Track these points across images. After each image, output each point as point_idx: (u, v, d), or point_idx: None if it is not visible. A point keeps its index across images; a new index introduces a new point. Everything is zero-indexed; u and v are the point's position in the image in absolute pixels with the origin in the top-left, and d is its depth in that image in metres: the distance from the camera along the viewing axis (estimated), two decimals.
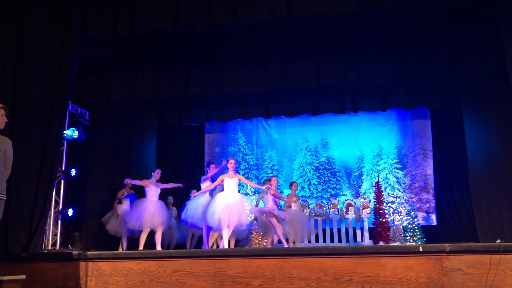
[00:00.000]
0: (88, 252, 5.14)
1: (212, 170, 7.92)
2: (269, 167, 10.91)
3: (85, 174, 9.24)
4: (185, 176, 10.88)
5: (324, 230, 9.86)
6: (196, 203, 7.55)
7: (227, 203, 6.79)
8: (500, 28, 6.67)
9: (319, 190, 10.66)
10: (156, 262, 4.92)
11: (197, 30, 7.44)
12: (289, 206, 8.36)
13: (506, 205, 7.96)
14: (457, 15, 8.08)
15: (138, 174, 8.60)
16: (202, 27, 7.29)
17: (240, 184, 7.61)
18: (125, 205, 8.35)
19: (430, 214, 10.14)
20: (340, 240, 9.80)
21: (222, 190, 7.27)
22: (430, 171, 10.31)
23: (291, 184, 8.61)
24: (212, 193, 7.70)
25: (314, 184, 10.71)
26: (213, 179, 7.84)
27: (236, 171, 7.37)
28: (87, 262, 5.03)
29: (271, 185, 7.72)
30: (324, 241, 9.74)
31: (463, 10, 7.87)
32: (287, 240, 8.27)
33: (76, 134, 8.64)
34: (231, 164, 7.10)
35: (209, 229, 7.26)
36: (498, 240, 4.17)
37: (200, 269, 4.79)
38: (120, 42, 8.44)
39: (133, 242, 8.27)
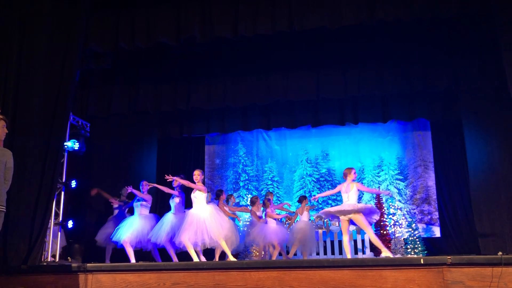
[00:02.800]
0: (88, 264, 5.12)
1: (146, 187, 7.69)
2: (269, 178, 10.90)
3: (86, 186, 9.23)
4: (185, 188, 10.82)
5: (325, 242, 9.82)
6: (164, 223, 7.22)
7: (199, 219, 6.43)
8: (499, 42, 6.71)
9: (320, 202, 10.63)
10: (156, 274, 4.90)
11: (198, 42, 7.50)
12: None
13: (508, 217, 7.95)
14: (457, 28, 8.15)
15: (137, 186, 8.59)
16: (203, 40, 7.36)
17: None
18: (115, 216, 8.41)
19: (430, 226, 10.10)
20: (341, 253, 9.74)
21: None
22: (431, 182, 10.29)
23: (301, 200, 8.52)
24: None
25: (314, 195, 10.68)
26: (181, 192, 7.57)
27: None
28: (86, 274, 5.01)
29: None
30: (325, 253, 9.69)
31: (463, 24, 7.94)
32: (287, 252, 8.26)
33: (77, 146, 8.65)
34: (196, 176, 6.72)
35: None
36: (500, 253, 4.16)
37: (200, 281, 4.76)
38: (122, 55, 8.50)
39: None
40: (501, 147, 8.22)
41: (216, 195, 7.89)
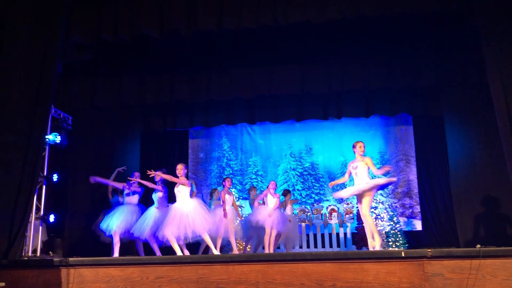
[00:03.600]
0: (70, 259, 5.08)
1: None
2: (254, 172, 10.93)
3: (68, 179, 9.14)
4: (168, 182, 10.77)
5: (308, 236, 9.91)
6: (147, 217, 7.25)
7: (182, 213, 6.44)
8: (481, 38, 6.82)
9: (303, 196, 10.71)
10: (139, 268, 4.89)
11: (182, 35, 7.45)
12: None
13: (486, 211, 8.11)
14: (440, 25, 8.24)
15: (121, 179, 8.55)
16: (187, 33, 7.30)
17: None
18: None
19: (412, 219, 10.25)
20: (323, 246, 9.86)
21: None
22: (413, 176, 10.44)
23: (285, 194, 8.54)
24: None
25: (298, 189, 10.76)
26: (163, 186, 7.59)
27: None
28: (68, 268, 4.98)
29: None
30: (308, 246, 9.78)
31: (445, 20, 8.03)
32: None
33: (58, 139, 8.53)
34: (178, 170, 6.72)
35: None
36: (478, 245, 4.25)
37: (183, 275, 4.77)
38: (105, 47, 8.40)
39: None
40: (481, 142, 8.37)
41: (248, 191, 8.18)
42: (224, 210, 7.48)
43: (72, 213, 8.95)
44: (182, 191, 6.64)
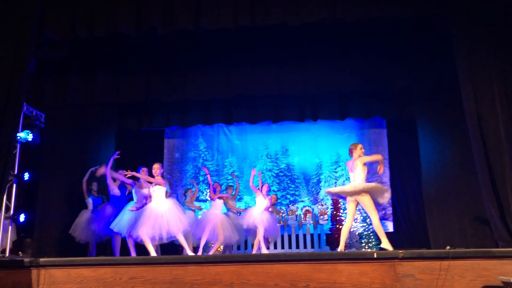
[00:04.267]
0: (41, 259, 4.98)
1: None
2: (229, 173, 10.92)
3: (39, 178, 8.95)
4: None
5: (282, 237, 9.96)
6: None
7: (158, 214, 6.40)
8: (453, 45, 7.01)
9: (279, 197, 10.75)
10: (112, 269, 4.84)
11: (159, 34, 7.40)
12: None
13: (456, 213, 8.31)
14: (414, 30, 8.41)
15: (95, 178, 8.44)
16: (164, 31, 7.26)
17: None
18: (89, 210, 8.23)
19: (384, 221, 10.41)
20: (298, 247, 9.92)
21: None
22: (386, 179, 10.60)
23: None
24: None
25: (273, 190, 10.79)
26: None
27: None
28: (39, 269, 4.88)
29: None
30: (283, 247, 9.83)
31: (420, 26, 8.21)
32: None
33: (30, 137, 8.37)
34: (154, 169, 6.70)
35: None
36: (448, 247, 4.36)
37: (157, 276, 4.74)
38: (80, 43, 8.27)
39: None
40: (452, 146, 8.56)
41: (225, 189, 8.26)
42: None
43: (43, 213, 8.76)
44: (157, 191, 6.59)
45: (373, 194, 6.10)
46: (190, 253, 6.61)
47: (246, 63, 8.98)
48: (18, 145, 8.09)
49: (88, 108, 9.45)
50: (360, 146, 6.38)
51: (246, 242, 9.63)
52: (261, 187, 8.19)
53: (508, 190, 6.24)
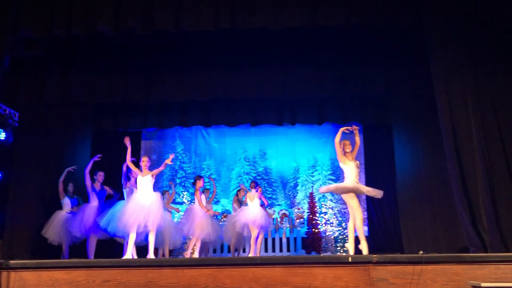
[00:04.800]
0: (11, 261, 4.86)
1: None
2: (207, 176, 10.88)
3: (11, 178, 8.74)
4: (119, 183, 10.52)
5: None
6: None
7: (142, 204, 6.49)
8: (428, 53, 7.16)
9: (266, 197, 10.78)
10: (86, 271, 4.76)
11: (138, 34, 7.34)
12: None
13: (429, 219, 8.46)
14: (391, 37, 8.57)
15: (70, 179, 8.31)
16: (144, 32, 7.21)
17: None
18: (64, 211, 8.08)
19: None
20: (274, 250, 9.94)
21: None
22: (361, 183, 10.70)
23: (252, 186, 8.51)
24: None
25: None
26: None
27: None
28: (9, 272, 4.77)
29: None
30: (244, 251, 9.84)
31: (396, 34, 8.37)
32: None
33: (3, 136, 8.18)
34: (143, 162, 6.88)
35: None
36: (421, 252, 4.43)
37: (131, 279, 4.68)
38: (57, 42, 8.13)
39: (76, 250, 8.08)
40: (426, 152, 8.73)
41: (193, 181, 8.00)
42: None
43: (14, 214, 8.56)
44: (144, 182, 6.66)
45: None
46: (152, 256, 6.52)
47: (225, 66, 8.98)
48: None
49: (64, 108, 9.30)
50: (346, 142, 6.53)
51: (222, 245, 9.61)
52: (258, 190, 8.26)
53: (479, 197, 6.40)
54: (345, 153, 6.46)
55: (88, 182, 7.90)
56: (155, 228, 6.47)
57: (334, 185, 6.47)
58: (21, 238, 8.44)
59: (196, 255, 7.65)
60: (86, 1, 7.09)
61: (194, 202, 8.04)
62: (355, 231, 6.09)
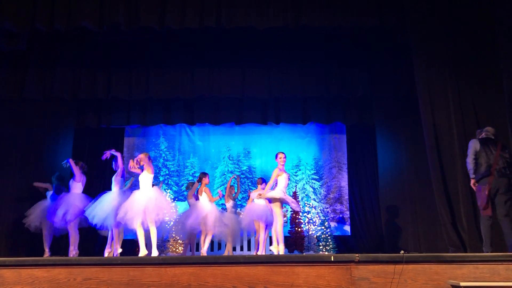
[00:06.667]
0: None
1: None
2: (191, 174, 10.84)
3: None
4: (101, 179, 10.41)
5: (241, 238, 9.95)
6: (104, 202, 6.96)
7: (144, 200, 6.41)
8: (412, 56, 7.24)
9: (239, 199, 10.75)
10: (66, 269, 4.69)
11: (122, 30, 7.26)
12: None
13: (410, 219, 8.58)
14: (375, 39, 8.65)
15: (51, 175, 8.19)
16: (128, 28, 7.15)
17: None
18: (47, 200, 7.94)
19: (342, 225, 10.61)
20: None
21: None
22: (344, 183, 10.81)
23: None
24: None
25: (234, 192, 10.78)
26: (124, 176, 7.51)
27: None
28: None
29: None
30: (242, 249, 9.84)
31: (380, 36, 8.45)
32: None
33: None
34: (143, 160, 6.75)
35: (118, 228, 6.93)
36: (402, 251, 4.48)
37: (113, 277, 4.63)
38: (39, 36, 8.00)
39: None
40: (408, 153, 8.84)
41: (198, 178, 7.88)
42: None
43: None
44: (144, 179, 6.59)
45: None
46: (144, 252, 6.45)
47: (210, 64, 8.96)
48: None
49: (46, 103, 9.17)
50: (279, 155, 7.09)
51: (214, 243, 9.57)
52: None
53: (459, 198, 6.51)
54: (283, 166, 7.08)
55: (75, 168, 7.66)
56: (156, 223, 6.42)
57: (264, 193, 7.06)
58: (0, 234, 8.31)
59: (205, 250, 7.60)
60: None
61: (198, 199, 7.91)
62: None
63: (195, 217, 7.56)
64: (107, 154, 7.08)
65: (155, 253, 6.36)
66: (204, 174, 7.88)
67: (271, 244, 7.25)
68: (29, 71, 8.71)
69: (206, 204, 7.63)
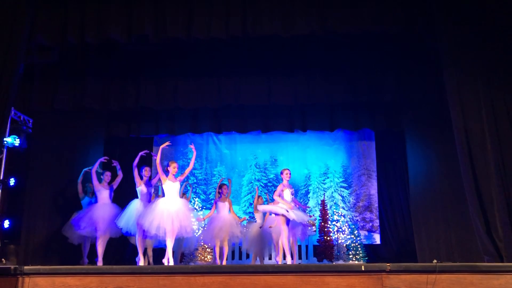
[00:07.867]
0: (25, 267, 4.90)
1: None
2: (218, 182, 10.88)
3: (25, 184, 8.82)
4: (131, 189, 10.55)
5: (270, 248, 9.91)
6: (130, 210, 7.24)
7: (168, 210, 6.53)
8: (442, 61, 7.09)
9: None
10: (98, 278, 4.77)
11: (150, 42, 7.39)
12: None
13: (443, 227, 8.36)
14: (402, 43, 8.51)
15: (89, 180, 8.38)
16: (156, 40, 7.25)
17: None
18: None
19: (372, 233, 10.45)
20: (285, 258, 9.87)
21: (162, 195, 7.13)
22: (373, 191, 10.65)
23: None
24: (150, 198, 7.52)
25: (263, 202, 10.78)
26: (148, 185, 7.70)
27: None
28: (23, 277, 4.80)
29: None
30: (270, 258, 9.80)
31: (409, 40, 8.31)
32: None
33: (17, 142, 8.23)
34: (172, 167, 6.95)
35: (144, 237, 7.04)
36: (435, 261, 4.37)
37: (143, 286, 4.69)
38: (70, 49, 8.22)
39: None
40: (440, 158, 8.63)
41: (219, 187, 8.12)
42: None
43: (29, 219, 8.64)
44: (170, 188, 6.70)
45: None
46: (171, 262, 6.50)
47: (236, 73, 9.00)
48: (5, 150, 7.99)
49: (77, 114, 9.38)
50: (285, 171, 7.37)
51: (233, 251, 9.56)
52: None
53: (494, 205, 6.30)
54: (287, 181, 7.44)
55: (95, 182, 7.97)
56: (174, 236, 6.49)
57: (269, 207, 7.39)
58: (35, 243, 8.51)
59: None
60: (99, 9, 7.16)
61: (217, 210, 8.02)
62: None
63: (214, 226, 7.69)
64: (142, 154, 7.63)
65: (170, 262, 6.43)
66: (224, 185, 8.09)
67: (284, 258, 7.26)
68: (59, 82, 8.92)
69: (225, 215, 7.73)
